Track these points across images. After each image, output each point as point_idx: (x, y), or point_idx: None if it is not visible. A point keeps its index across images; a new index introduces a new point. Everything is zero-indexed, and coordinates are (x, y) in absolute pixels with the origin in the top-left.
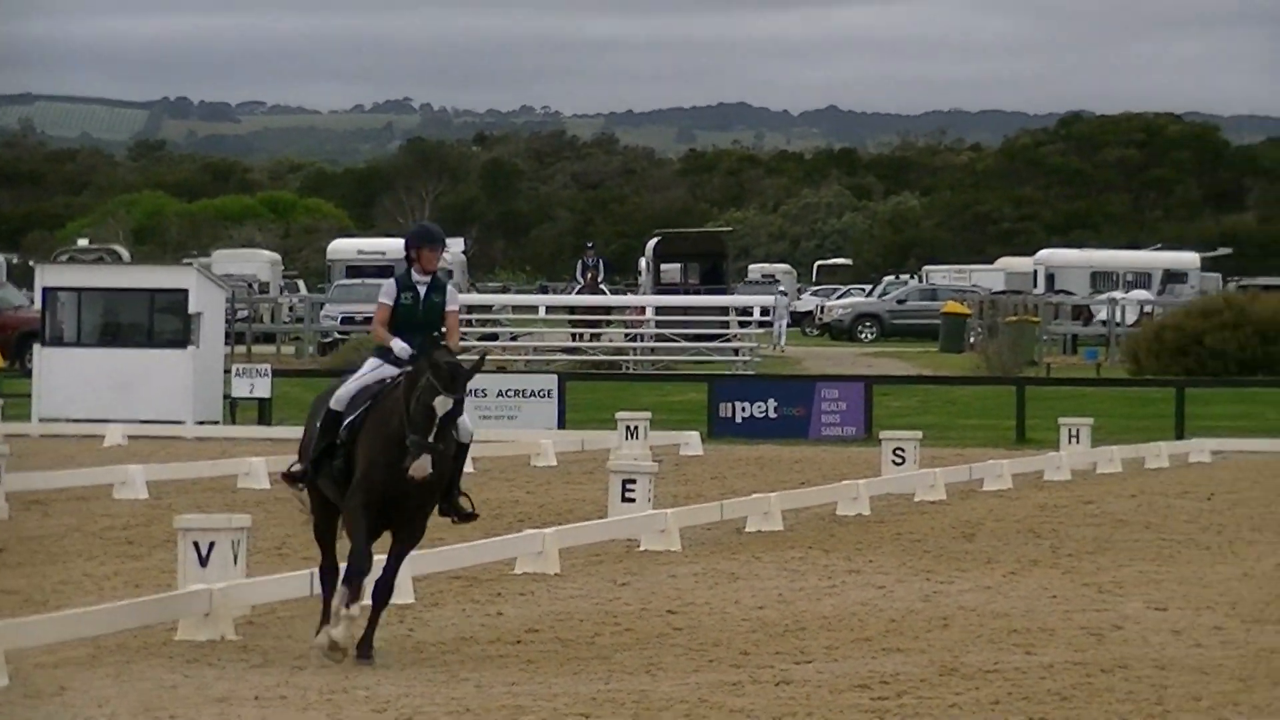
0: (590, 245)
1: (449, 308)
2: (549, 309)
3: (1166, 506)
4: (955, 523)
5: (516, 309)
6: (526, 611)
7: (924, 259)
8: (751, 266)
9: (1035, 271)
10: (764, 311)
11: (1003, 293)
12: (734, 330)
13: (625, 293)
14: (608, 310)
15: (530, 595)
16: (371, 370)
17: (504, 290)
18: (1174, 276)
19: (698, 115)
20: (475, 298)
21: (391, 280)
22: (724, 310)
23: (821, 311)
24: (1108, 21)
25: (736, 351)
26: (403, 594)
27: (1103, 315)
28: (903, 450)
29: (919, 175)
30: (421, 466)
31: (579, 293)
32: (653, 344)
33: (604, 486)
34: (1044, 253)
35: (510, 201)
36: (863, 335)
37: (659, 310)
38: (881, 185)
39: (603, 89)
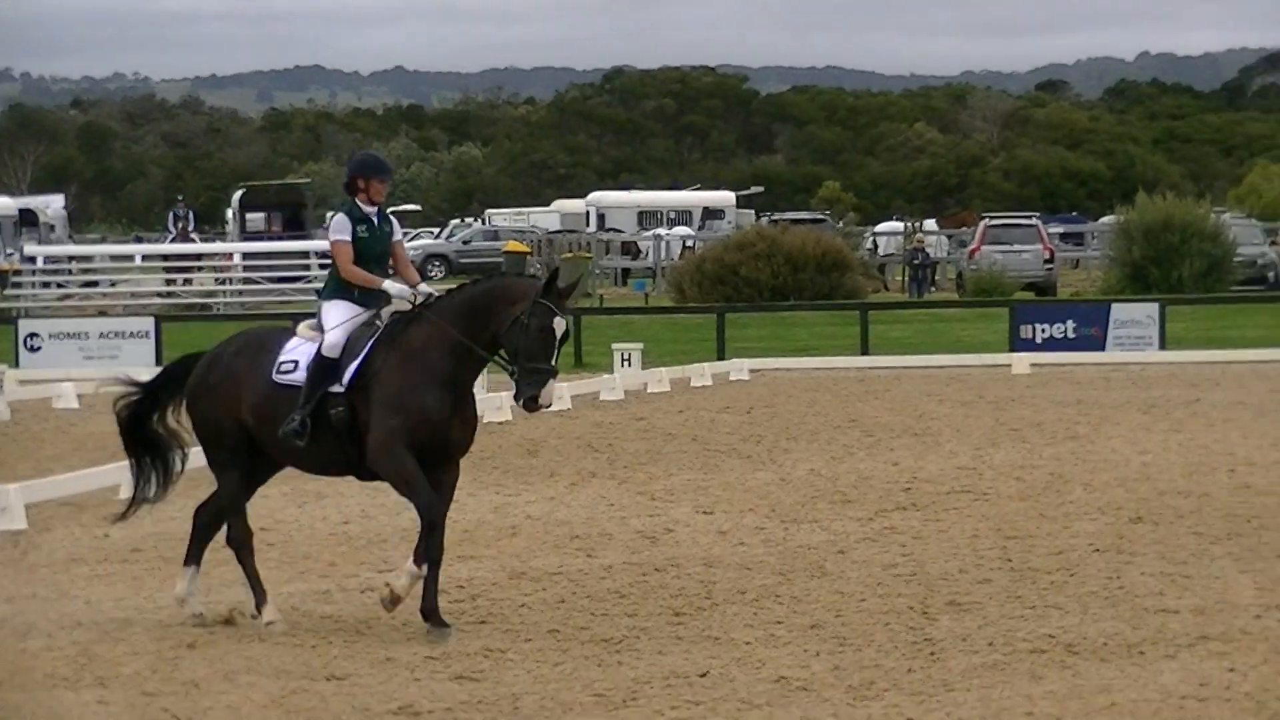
0: (180, 198)
1: (395, 238)
2: (144, 257)
3: (710, 421)
4: (521, 441)
5: (115, 258)
6: (131, 533)
7: (486, 203)
8: (329, 214)
9: (588, 212)
10: None
11: (558, 232)
12: (315, 272)
13: (214, 240)
14: (198, 257)
15: (134, 518)
16: (350, 317)
17: (102, 241)
18: (712, 214)
19: (276, 78)
20: (76, 249)
21: (340, 215)
22: (305, 254)
23: None
24: None
25: (317, 292)
26: (16, 520)
27: (649, 250)
28: None
29: (480, 127)
30: (550, 393)
31: (172, 241)
32: (241, 287)
33: None
34: (594, 195)
35: (105, 160)
36: (432, 274)
37: (246, 256)
38: (446, 137)
39: (188, 56)
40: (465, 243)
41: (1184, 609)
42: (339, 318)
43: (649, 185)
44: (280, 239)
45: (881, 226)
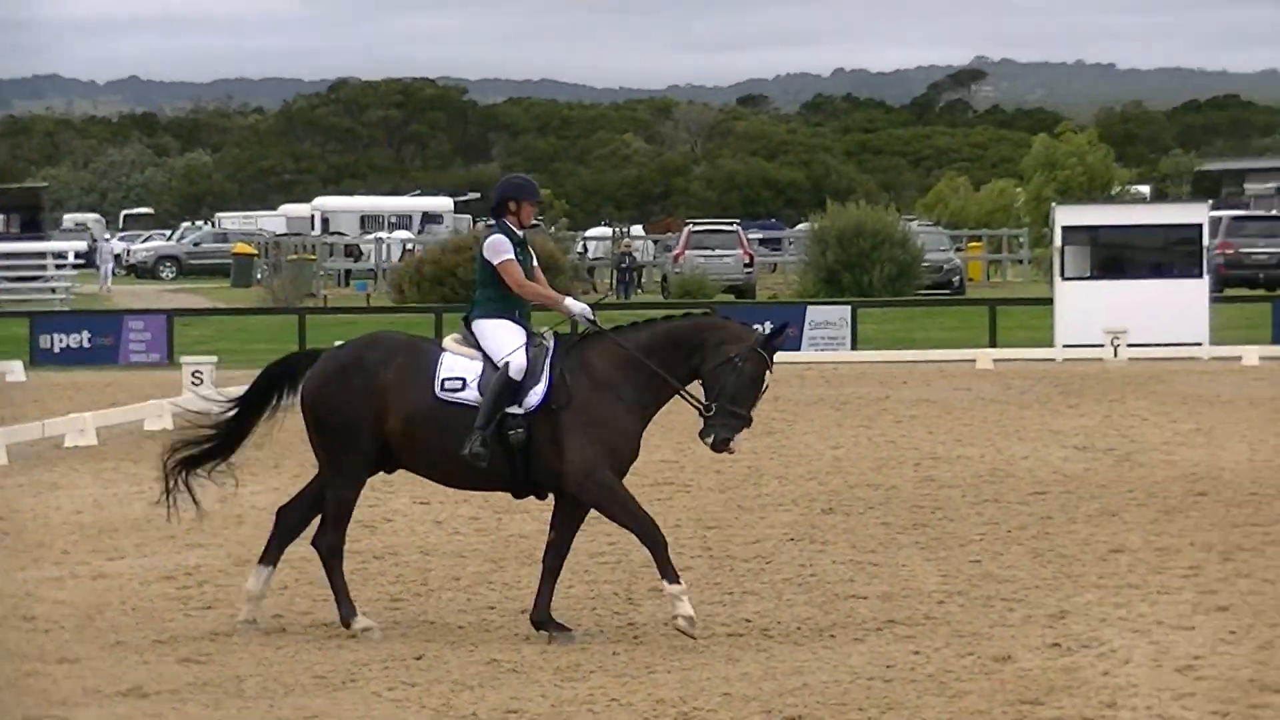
0: None
1: (534, 263)
2: None
3: None
4: None
5: None
6: None
7: (216, 207)
8: (65, 216)
9: (313, 216)
10: (77, 255)
11: (285, 235)
12: (51, 272)
13: None
14: None
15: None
16: (520, 339)
17: None
18: (431, 218)
19: (14, 87)
20: None
21: (498, 235)
22: (42, 255)
23: (128, 254)
24: (369, 0)
25: (54, 290)
26: None
27: (371, 253)
28: (200, 372)
29: (210, 135)
30: (740, 440)
31: None
32: None
33: None
34: (319, 200)
35: None
36: (164, 274)
37: None
38: (178, 144)
39: None
40: (196, 245)
41: (872, 595)
42: (511, 339)
43: (371, 191)
44: (17, 240)
45: (591, 232)
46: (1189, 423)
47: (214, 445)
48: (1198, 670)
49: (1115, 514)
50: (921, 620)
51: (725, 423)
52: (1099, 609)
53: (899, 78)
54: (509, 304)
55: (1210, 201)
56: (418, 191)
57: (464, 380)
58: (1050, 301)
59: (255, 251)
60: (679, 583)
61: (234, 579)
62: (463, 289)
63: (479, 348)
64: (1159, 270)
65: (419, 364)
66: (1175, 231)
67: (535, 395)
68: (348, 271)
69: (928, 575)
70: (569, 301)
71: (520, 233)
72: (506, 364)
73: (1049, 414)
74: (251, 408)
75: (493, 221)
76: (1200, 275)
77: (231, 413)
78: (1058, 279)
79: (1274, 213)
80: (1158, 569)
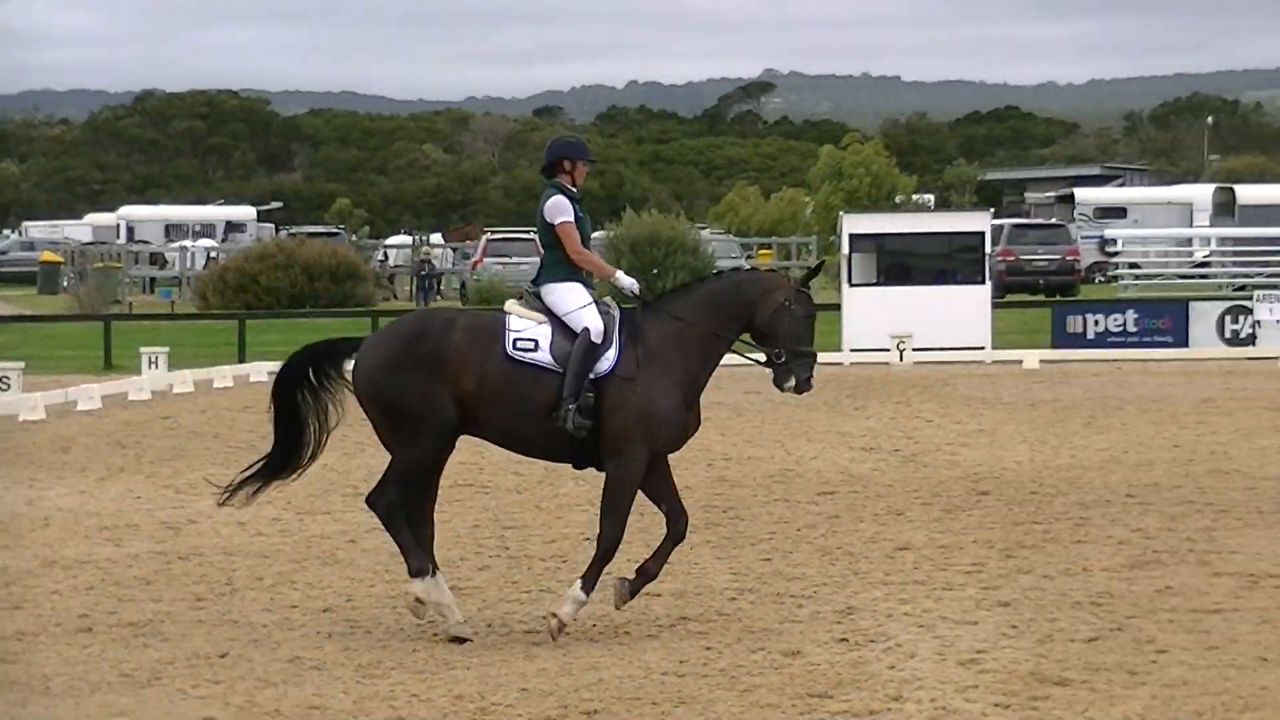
0: None
1: (589, 227)
2: None
3: (232, 419)
4: (54, 438)
5: None
6: None
7: (23, 216)
8: (544, 194)
9: (119, 225)
10: None
11: (91, 244)
12: None
13: None
14: None
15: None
16: (589, 301)
17: None
18: (235, 227)
19: None
20: None
21: (558, 195)
22: None
23: None
24: (172, 15)
25: None
26: None
27: (176, 260)
28: (8, 379)
29: (17, 145)
30: (815, 376)
31: None
32: None
33: None
34: (125, 209)
35: None
36: None
37: None
38: None
39: None
40: (2, 253)
41: (666, 593)
42: (580, 301)
43: (175, 200)
44: None
45: (391, 240)
46: (972, 424)
47: (269, 467)
48: (981, 664)
49: (901, 513)
50: (714, 617)
51: (800, 364)
52: (885, 605)
53: (691, 90)
54: (576, 266)
55: (992, 210)
56: (221, 201)
57: (536, 342)
58: (838, 307)
59: (61, 259)
60: (586, 595)
61: (40, 580)
62: (266, 296)
63: (544, 312)
64: (943, 277)
65: (483, 327)
66: (959, 239)
67: (606, 361)
68: (153, 279)
69: (719, 573)
70: (620, 275)
71: (574, 191)
72: (586, 329)
73: (837, 416)
74: (289, 419)
75: (548, 184)
76: (983, 281)
77: (275, 443)
78: (845, 285)
79: (1053, 221)
80: (942, 566)
